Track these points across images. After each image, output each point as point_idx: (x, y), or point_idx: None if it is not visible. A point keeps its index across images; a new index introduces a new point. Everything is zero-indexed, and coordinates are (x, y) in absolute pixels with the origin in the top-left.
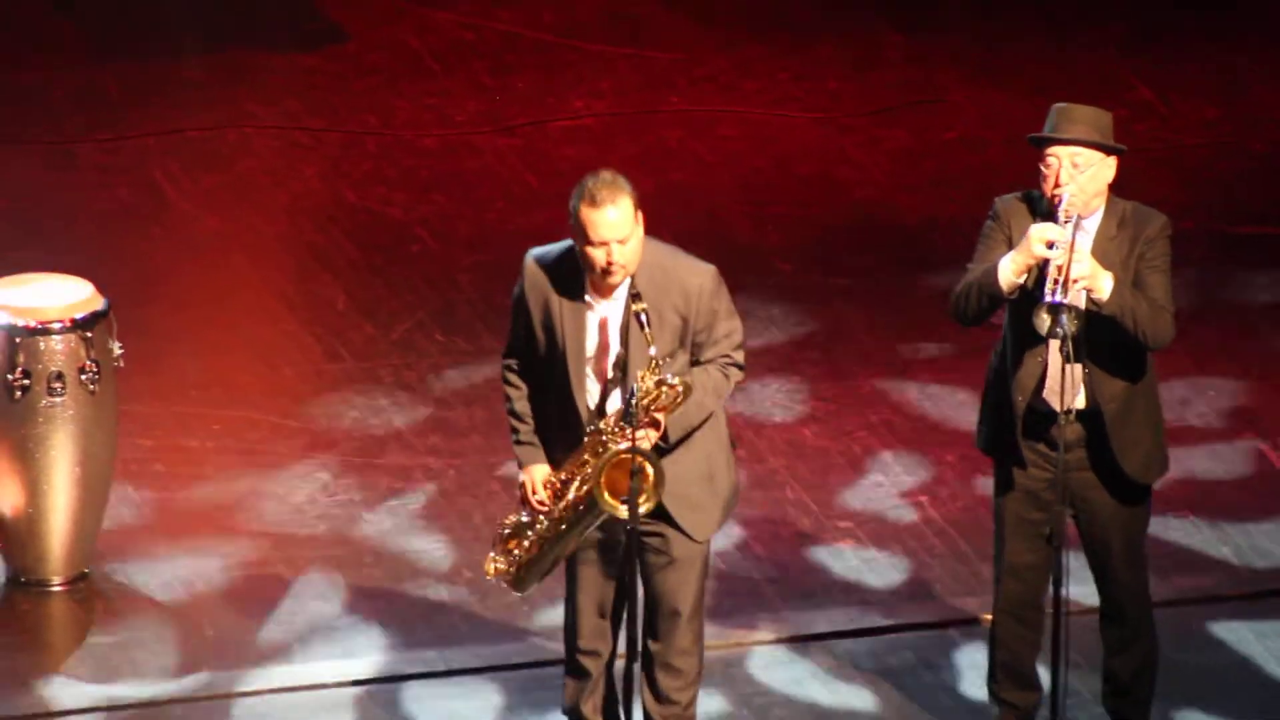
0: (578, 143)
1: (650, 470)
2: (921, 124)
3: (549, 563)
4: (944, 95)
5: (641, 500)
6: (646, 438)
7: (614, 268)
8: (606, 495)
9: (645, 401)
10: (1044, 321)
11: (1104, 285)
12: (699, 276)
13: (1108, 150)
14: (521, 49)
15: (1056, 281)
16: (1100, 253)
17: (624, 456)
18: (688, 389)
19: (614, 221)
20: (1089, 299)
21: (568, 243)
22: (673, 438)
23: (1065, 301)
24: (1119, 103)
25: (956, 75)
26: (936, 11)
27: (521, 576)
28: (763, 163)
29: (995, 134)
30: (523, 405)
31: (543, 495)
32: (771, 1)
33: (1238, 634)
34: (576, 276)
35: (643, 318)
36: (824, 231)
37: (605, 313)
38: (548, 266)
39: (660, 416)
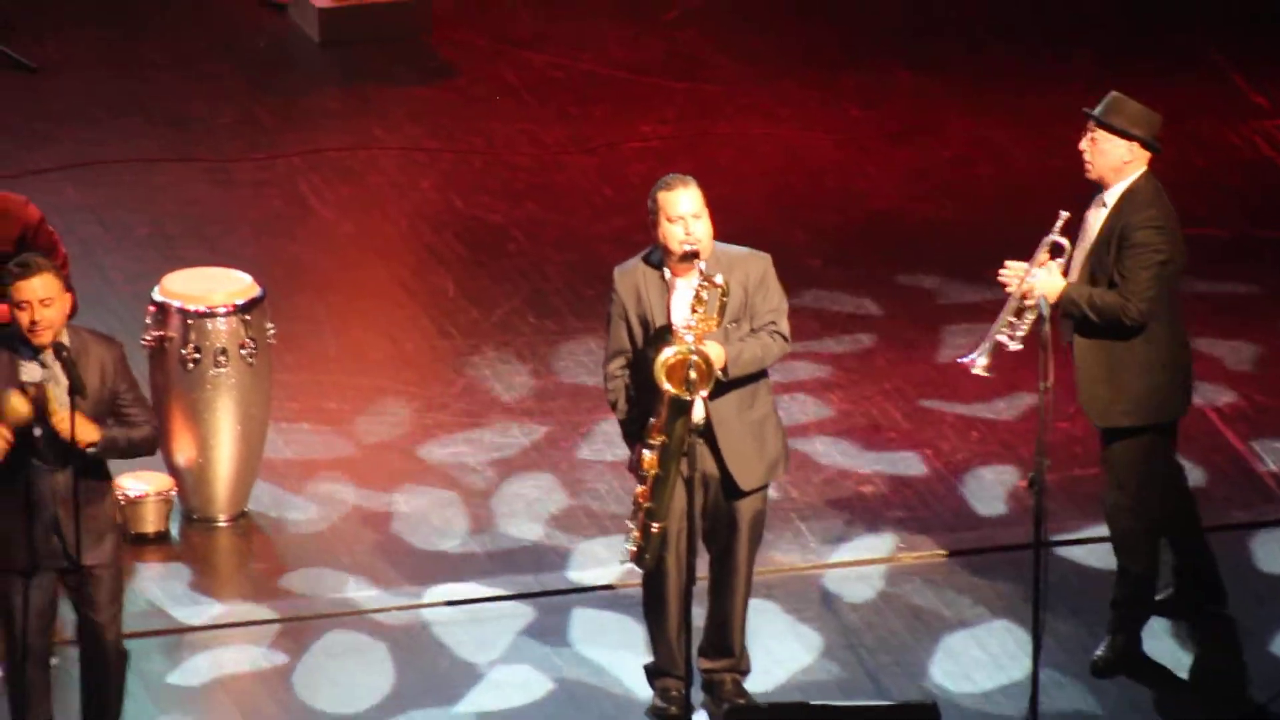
0: (645, 161)
1: (702, 363)
2: (925, 145)
3: (660, 516)
4: (943, 122)
5: (696, 380)
6: (704, 342)
7: (692, 238)
8: (668, 383)
9: (699, 311)
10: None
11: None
12: (760, 261)
13: (1113, 131)
14: (599, 84)
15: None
16: (1103, 223)
17: (682, 358)
18: (726, 287)
19: (687, 198)
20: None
21: (643, 252)
22: (731, 371)
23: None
24: (1082, 128)
25: (953, 106)
26: (937, 54)
27: (640, 554)
28: (795, 177)
29: (983, 154)
30: (625, 400)
31: (649, 457)
32: (802, 44)
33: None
34: (657, 269)
35: (713, 274)
36: (845, 233)
37: (685, 289)
38: (631, 270)
39: (713, 323)
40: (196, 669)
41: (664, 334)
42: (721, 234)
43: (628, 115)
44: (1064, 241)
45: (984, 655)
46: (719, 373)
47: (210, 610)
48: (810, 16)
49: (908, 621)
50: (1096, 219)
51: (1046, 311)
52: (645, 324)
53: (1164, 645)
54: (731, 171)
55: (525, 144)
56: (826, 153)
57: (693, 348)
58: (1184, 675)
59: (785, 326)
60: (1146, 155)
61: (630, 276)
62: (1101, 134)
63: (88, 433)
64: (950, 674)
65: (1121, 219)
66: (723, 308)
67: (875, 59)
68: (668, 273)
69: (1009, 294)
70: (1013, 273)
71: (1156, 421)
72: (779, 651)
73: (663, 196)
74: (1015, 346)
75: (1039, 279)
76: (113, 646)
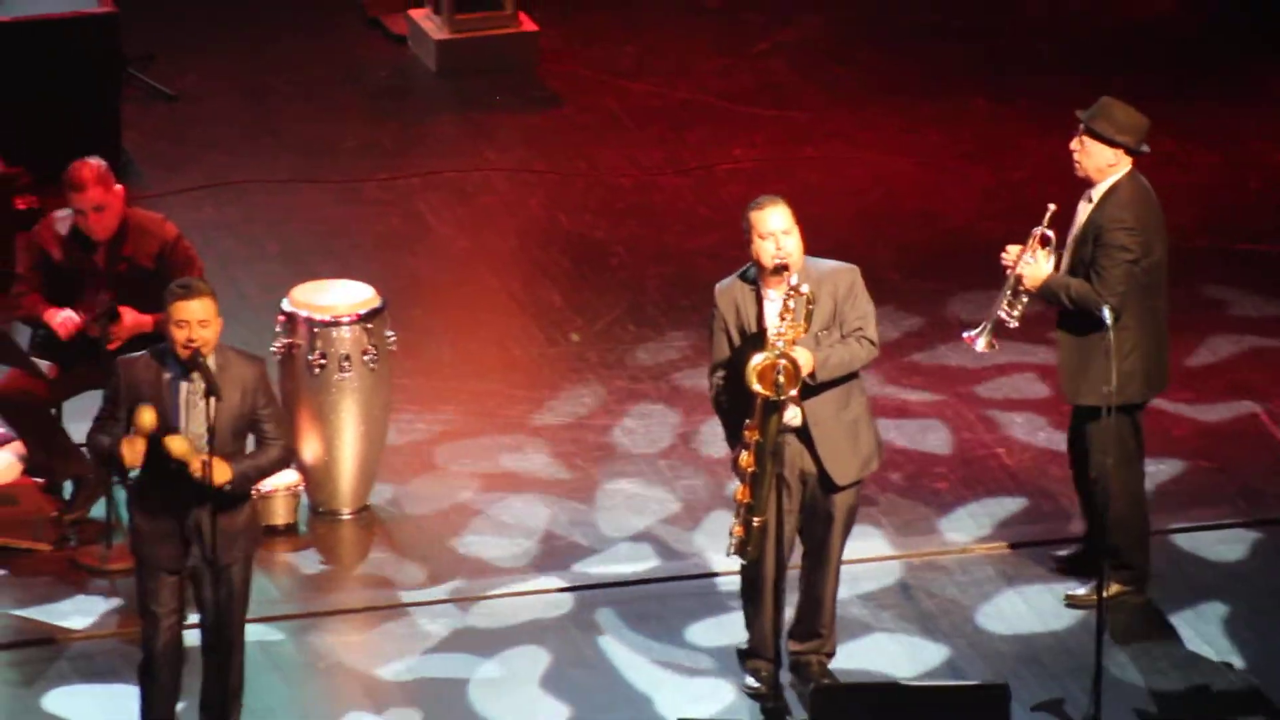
0: (737, 182)
1: (790, 366)
2: (998, 166)
3: (759, 510)
4: (1014, 144)
5: (784, 383)
6: (794, 348)
7: (782, 253)
8: (758, 385)
9: (787, 319)
10: None
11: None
12: (849, 272)
13: (1099, 138)
14: (694, 110)
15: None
16: (1086, 218)
17: (771, 362)
18: (813, 295)
19: (777, 216)
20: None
21: (740, 269)
22: (819, 375)
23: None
24: (1150, 151)
25: (1025, 129)
26: (1011, 81)
27: (743, 546)
28: (877, 197)
29: (1054, 174)
30: (726, 405)
31: (746, 456)
32: (884, 75)
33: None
34: (751, 284)
35: (798, 284)
36: (924, 249)
37: (777, 300)
38: (729, 286)
39: (800, 330)
40: (323, 651)
41: (757, 341)
42: (810, 250)
43: (721, 139)
44: (1050, 233)
45: (1053, 641)
46: (807, 376)
47: (334, 597)
48: (891, 49)
49: (983, 609)
50: (1083, 213)
51: (1110, 320)
52: (743, 334)
53: (1217, 632)
54: (818, 192)
55: (626, 166)
56: (907, 175)
57: (780, 352)
58: (1241, 666)
59: (873, 332)
60: (1130, 158)
61: (728, 292)
62: (1088, 138)
63: (221, 473)
64: (1022, 657)
65: (1102, 215)
66: (810, 315)
67: (953, 87)
68: (761, 286)
69: (1008, 274)
70: (1011, 256)
71: (1133, 401)
72: (859, 635)
73: (754, 215)
74: (1013, 324)
75: (1026, 268)
76: (236, 640)
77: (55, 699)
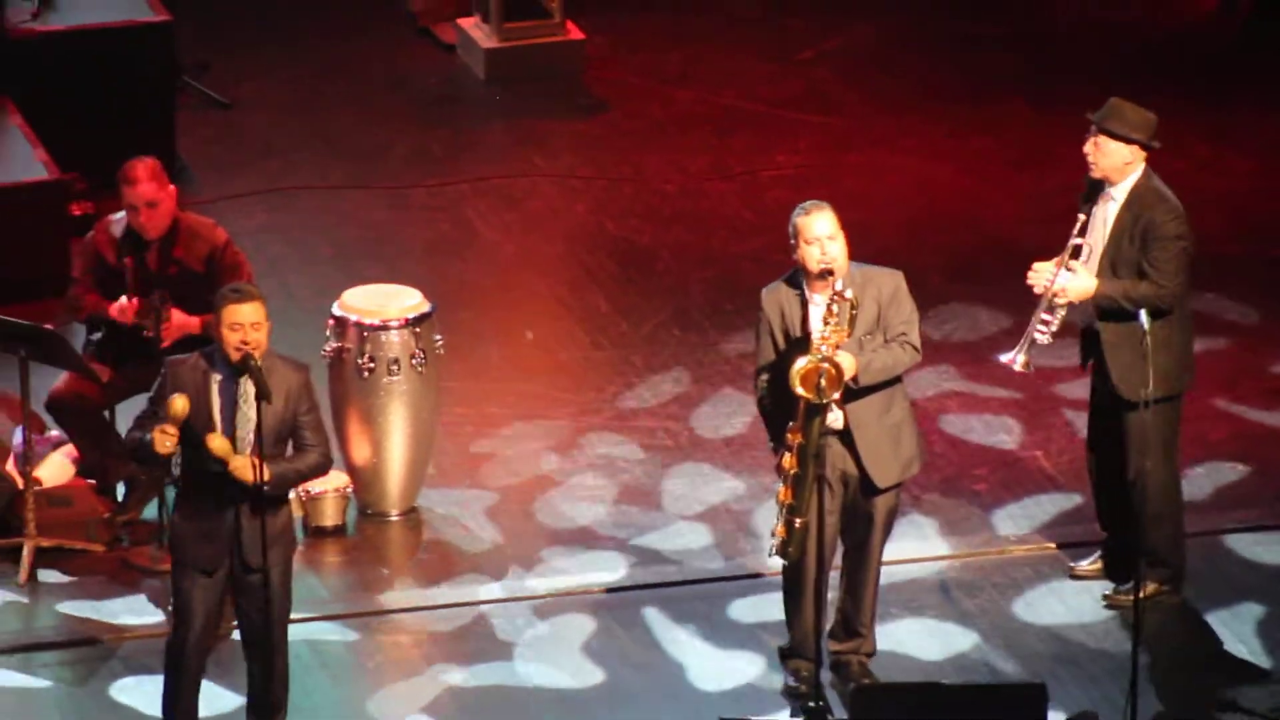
0: (781, 187)
1: (833, 370)
2: (1038, 172)
3: (800, 511)
4: (1055, 151)
5: (826, 386)
6: (837, 352)
7: (826, 258)
8: (802, 388)
9: (831, 323)
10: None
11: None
12: (892, 277)
13: (1115, 136)
14: (739, 117)
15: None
16: (1117, 216)
17: (814, 366)
18: (856, 300)
19: (822, 221)
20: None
21: (786, 274)
22: (862, 379)
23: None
24: (1184, 156)
25: (1065, 136)
26: (1052, 88)
27: (785, 546)
28: (920, 202)
29: None
30: (770, 407)
31: (789, 458)
32: (927, 82)
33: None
34: (797, 289)
35: (842, 288)
36: (965, 254)
37: (821, 304)
38: (775, 290)
39: (843, 334)
40: (371, 650)
41: (801, 345)
42: (853, 255)
43: (765, 145)
44: (1081, 242)
45: (1090, 641)
46: (849, 380)
47: (382, 597)
48: (934, 57)
49: (1020, 608)
50: (1107, 212)
51: (1147, 324)
52: (788, 338)
53: (1252, 632)
54: (861, 197)
55: (671, 172)
56: (949, 181)
57: (824, 356)
58: (1275, 666)
59: (916, 338)
60: (1144, 154)
61: (775, 296)
62: (1103, 138)
63: (263, 473)
64: (1059, 656)
65: (1136, 213)
66: (853, 319)
67: (995, 94)
68: (806, 290)
69: (1038, 294)
70: (1041, 274)
71: (1177, 392)
72: (900, 635)
73: (800, 221)
74: (1047, 341)
75: (1069, 281)
76: (278, 643)
77: (116, 692)
